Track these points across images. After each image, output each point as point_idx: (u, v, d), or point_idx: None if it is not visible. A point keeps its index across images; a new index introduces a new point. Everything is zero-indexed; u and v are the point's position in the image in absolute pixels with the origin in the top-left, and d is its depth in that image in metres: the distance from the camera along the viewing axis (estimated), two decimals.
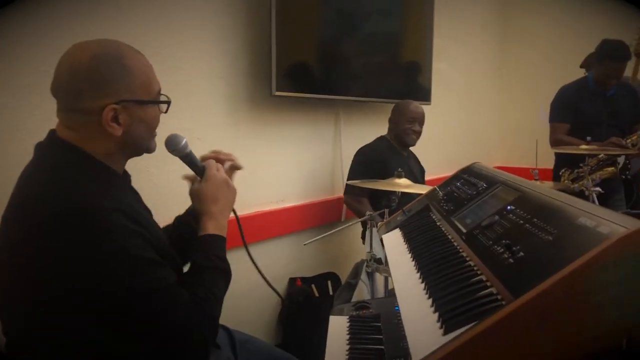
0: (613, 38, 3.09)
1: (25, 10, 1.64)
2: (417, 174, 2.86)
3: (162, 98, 1.15)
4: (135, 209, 1.06)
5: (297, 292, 2.69)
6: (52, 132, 1.10)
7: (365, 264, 2.14)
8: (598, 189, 2.56)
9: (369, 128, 3.07)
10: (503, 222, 0.92)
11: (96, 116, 1.04)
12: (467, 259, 0.93)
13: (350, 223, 2.40)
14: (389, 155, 2.72)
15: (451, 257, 0.97)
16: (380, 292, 2.14)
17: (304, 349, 2.28)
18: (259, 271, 1.43)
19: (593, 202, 2.52)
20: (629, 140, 2.94)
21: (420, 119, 2.79)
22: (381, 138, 2.86)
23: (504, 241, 0.83)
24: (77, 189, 0.99)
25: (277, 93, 2.41)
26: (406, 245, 1.20)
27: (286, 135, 2.68)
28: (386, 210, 2.09)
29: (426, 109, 3.46)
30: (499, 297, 0.74)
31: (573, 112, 3.09)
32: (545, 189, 0.98)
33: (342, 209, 3.04)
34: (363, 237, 2.77)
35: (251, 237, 2.51)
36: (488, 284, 0.79)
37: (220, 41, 2.30)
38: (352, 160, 2.79)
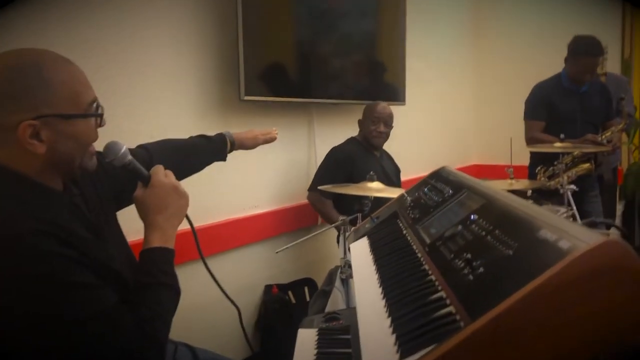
0: (585, 34, 3.09)
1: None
2: (391, 174, 2.82)
3: (97, 110, 1.07)
4: (67, 229, 0.97)
5: (274, 300, 2.64)
6: None
7: (340, 270, 2.10)
8: (573, 186, 2.56)
9: (343, 130, 3.03)
10: (465, 233, 0.88)
11: (15, 133, 0.96)
12: (429, 272, 0.89)
13: (323, 229, 2.35)
14: (359, 157, 2.69)
15: (413, 270, 0.93)
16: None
17: (282, 357, 2.23)
18: (217, 283, 1.36)
19: (568, 200, 2.51)
20: (603, 137, 2.94)
21: (385, 119, 2.75)
22: (352, 139, 2.83)
23: (465, 255, 0.79)
24: (1, 214, 0.92)
25: (247, 97, 2.36)
26: (372, 256, 1.16)
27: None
28: (359, 215, 2.06)
29: (401, 108, 3.46)
30: (457, 317, 0.69)
31: (547, 110, 3.09)
32: (511, 196, 0.94)
33: (317, 213, 2.99)
34: (338, 242, 2.73)
35: (225, 245, 2.48)
36: (447, 301, 0.75)
37: (186, 44, 2.25)
38: (322, 162, 2.75)
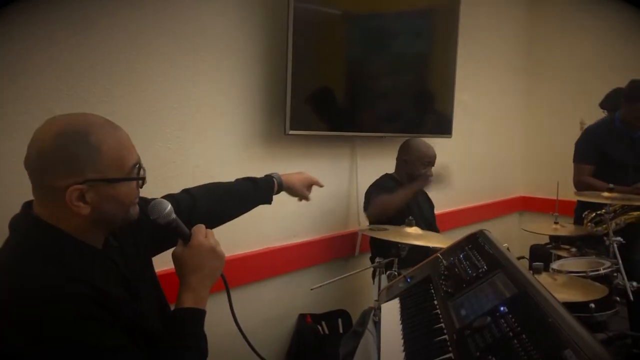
0: None
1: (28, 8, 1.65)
2: (426, 212, 2.83)
3: (140, 172, 1.13)
4: (103, 291, 1.02)
5: (306, 329, 2.66)
6: (26, 206, 1.10)
7: (373, 312, 2.11)
8: (619, 238, 2.48)
9: (385, 162, 3.03)
10: (493, 329, 0.88)
11: (63, 195, 1.02)
12: None
13: (358, 270, 2.36)
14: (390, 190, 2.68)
15: (439, 357, 0.94)
16: None
17: None
18: (239, 328, 1.35)
19: (614, 252, 2.44)
20: None
21: (433, 162, 2.76)
22: (389, 177, 2.82)
23: (489, 356, 0.80)
24: (35, 277, 0.98)
25: (291, 132, 2.40)
26: (401, 326, 1.17)
27: (303, 169, 2.67)
28: (395, 260, 2.06)
29: (446, 140, 3.45)
30: None
31: (598, 154, 3.02)
32: (543, 291, 0.93)
33: (356, 243, 3.01)
34: (373, 277, 2.73)
35: (263, 274, 2.53)
36: None
37: (236, 79, 2.31)
38: (365, 200, 2.75)
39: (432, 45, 3.36)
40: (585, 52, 4.57)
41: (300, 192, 1.81)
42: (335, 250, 2.91)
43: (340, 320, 2.80)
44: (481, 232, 1.40)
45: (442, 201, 3.69)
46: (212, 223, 1.50)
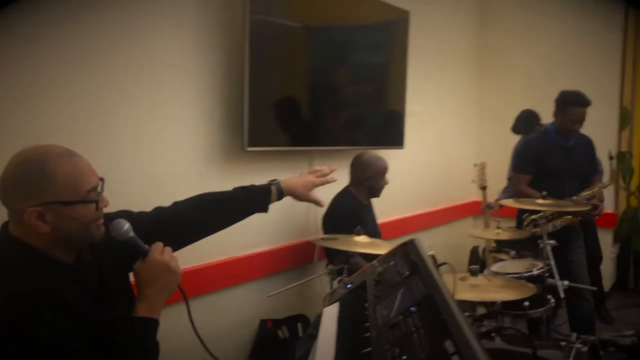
0: (571, 89, 3.28)
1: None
2: (375, 222, 3.04)
3: (96, 195, 1.28)
4: (61, 298, 1.18)
5: (267, 334, 2.82)
6: (4, 225, 1.27)
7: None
8: (552, 241, 2.71)
9: (342, 172, 3.20)
10: (402, 326, 1.06)
11: (22, 215, 1.19)
12: (371, 357, 1.07)
13: (314, 276, 2.53)
14: (360, 211, 2.88)
15: (360, 354, 1.11)
16: None
17: None
18: (197, 335, 1.48)
19: (547, 254, 2.67)
20: (585, 194, 3.11)
21: (386, 172, 2.99)
22: (348, 193, 2.99)
23: (395, 349, 0.97)
24: (8, 288, 1.16)
25: (249, 149, 2.56)
26: (336, 326, 1.34)
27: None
28: (345, 266, 2.24)
29: (399, 150, 3.66)
30: None
31: (535, 163, 3.25)
32: (448, 294, 1.11)
33: (314, 250, 3.18)
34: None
35: (224, 282, 2.67)
36: None
37: (195, 95, 2.45)
38: (330, 218, 2.94)
39: (388, 58, 3.56)
40: (534, 60, 4.87)
41: (305, 196, 1.82)
42: (295, 258, 3.07)
43: (299, 325, 2.96)
44: (411, 241, 1.58)
45: (398, 207, 3.91)
46: (200, 232, 1.69)
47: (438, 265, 1.48)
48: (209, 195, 1.73)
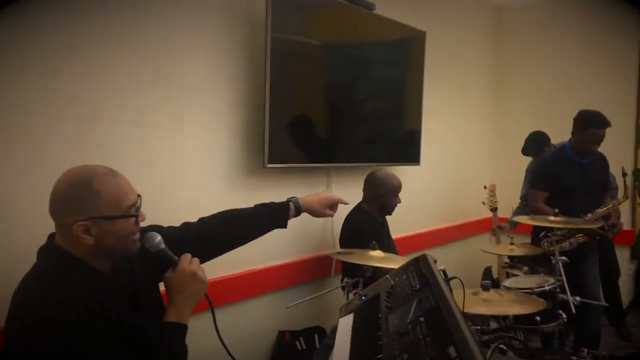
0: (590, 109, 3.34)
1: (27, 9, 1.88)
2: (390, 237, 3.11)
3: (135, 211, 1.41)
4: (104, 304, 1.31)
5: (285, 345, 2.91)
6: (50, 237, 1.41)
7: None
8: (564, 258, 2.77)
9: (358, 188, 3.31)
10: (411, 334, 1.15)
11: (71, 229, 1.32)
12: None
13: (330, 289, 2.61)
14: (371, 227, 2.95)
15: (373, 357, 1.20)
16: None
17: None
18: (221, 341, 1.60)
19: (559, 271, 2.73)
20: (599, 211, 3.16)
21: (400, 191, 3.05)
22: (361, 210, 3.07)
23: (405, 355, 1.06)
24: (51, 290, 1.28)
25: (269, 165, 2.67)
26: (350, 335, 1.43)
27: (280, 199, 2.93)
28: (360, 280, 2.32)
29: (416, 167, 3.75)
30: None
31: (551, 181, 3.32)
32: (455, 307, 1.19)
33: (331, 264, 3.27)
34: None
35: (245, 294, 2.78)
36: None
37: (219, 116, 2.58)
38: (346, 235, 3.02)
39: (404, 76, 3.66)
40: (549, 80, 4.94)
41: (321, 213, 2.00)
42: (312, 271, 3.17)
43: (316, 336, 3.04)
44: (423, 256, 1.66)
45: (413, 223, 3.99)
46: (224, 246, 1.84)
47: (448, 280, 1.56)
48: (232, 211, 1.88)
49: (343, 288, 2.62)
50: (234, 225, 1.84)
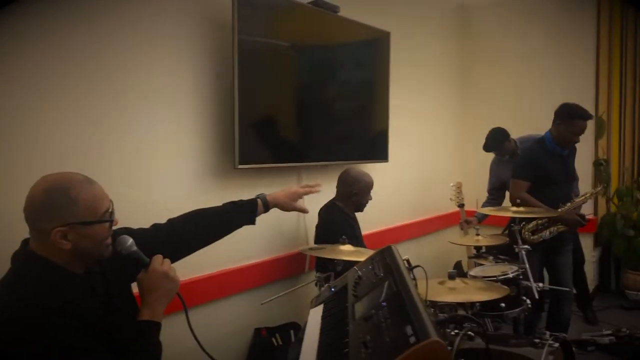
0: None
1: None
2: (359, 234, 3.18)
3: (110, 216, 1.47)
4: (78, 306, 1.35)
5: (261, 342, 2.97)
6: (24, 243, 1.45)
7: None
8: (527, 246, 2.89)
9: (330, 186, 3.38)
10: (374, 317, 1.23)
11: (49, 235, 1.37)
12: (347, 346, 1.23)
13: (304, 284, 2.69)
14: (346, 224, 3.03)
15: (340, 342, 1.28)
16: None
17: None
18: (195, 338, 1.65)
19: (522, 258, 2.85)
20: (578, 200, 3.34)
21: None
22: (335, 207, 3.14)
23: (367, 337, 1.14)
24: (29, 295, 1.32)
25: (240, 166, 2.73)
26: (320, 323, 1.51)
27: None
28: (332, 274, 2.40)
29: (384, 165, 3.85)
30: None
31: (535, 171, 3.40)
32: (414, 292, 1.28)
33: (305, 261, 3.34)
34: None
35: (220, 293, 2.83)
36: None
37: (189, 118, 2.62)
38: (321, 229, 3.10)
39: (372, 76, 3.75)
40: (512, 76, 5.11)
41: (290, 206, 2.05)
42: (287, 269, 3.23)
43: (292, 332, 3.11)
44: (388, 247, 1.75)
45: (384, 218, 4.09)
46: (193, 245, 1.89)
47: (412, 268, 1.65)
48: (201, 211, 1.94)
49: (316, 283, 2.69)
50: (203, 224, 1.90)
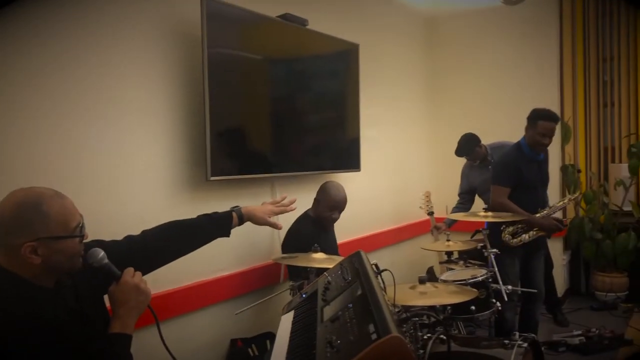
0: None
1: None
2: (333, 242, 3.21)
3: (81, 231, 1.47)
4: (47, 321, 1.36)
5: (237, 353, 2.98)
6: None
7: None
8: (495, 250, 2.97)
9: (303, 196, 3.41)
10: (341, 318, 1.27)
11: (19, 250, 1.37)
12: (315, 347, 1.27)
13: (278, 292, 2.71)
14: (313, 234, 3.00)
15: (308, 344, 1.31)
16: None
17: None
18: (169, 351, 1.67)
19: (491, 262, 2.92)
20: (559, 204, 3.45)
21: (341, 208, 3.09)
22: (306, 217, 3.14)
23: (333, 337, 1.18)
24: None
25: (212, 178, 2.75)
26: (290, 328, 1.54)
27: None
28: (305, 282, 2.44)
29: (358, 174, 3.91)
30: None
31: (516, 177, 3.45)
32: (380, 293, 1.32)
33: (280, 271, 3.36)
34: None
35: (195, 305, 2.83)
36: None
37: (161, 131, 2.64)
38: (285, 241, 3.10)
39: (343, 87, 3.82)
40: (479, 84, 5.23)
41: (264, 221, 2.07)
42: (261, 279, 3.25)
43: (268, 342, 3.12)
44: (357, 253, 1.80)
45: (358, 227, 4.14)
46: (167, 257, 1.90)
47: (379, 272, 1.69)
48: (175, 223, 1.95)
49: (290, 291, 2.72)
50: (177, 236, 1.91)
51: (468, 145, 4.12)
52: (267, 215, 2.08)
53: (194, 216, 2.02)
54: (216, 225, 1.97)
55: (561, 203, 3.60)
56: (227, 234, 2.00)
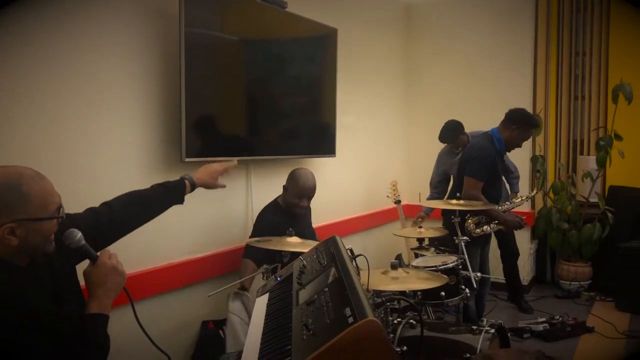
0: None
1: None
2: (306, 228, 3.18)
3: (60, 212, 1.46)
4: (21, 300, 1.35)
5: (208, 335, 2.98)
6: None
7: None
8: (465, 238, 3.02)
9: (276, 181, 3.42)
10: (317, 302, 1.28)
11: None
12: (291, 330, 1.28)
13: (254, 274, 2.71)
14: (283, 224, 2.92)
15: (284, 326, 1.32)
16: None
17: None
18: (145, 332, 1.67)
19: (461, 249, 2.98)
20: (517, 200, 3.57)
21: (309, 195, 3.04)
22: (275, 205, 3.11)
23: (308, 320, 1.19)
24: None
25: (187, 159, 2.73)
26: (265, 310, 1.55)
27: (199, 194, 2.98)
28: (278, 265, 2.44)
29: (333, 159, 3.92)
30: None
31: (490, 171, 3.49)
32: (355, 277, 1.34)
33: None
34: None
35: (166, 287, 2.82)
36: (289, 353, 1.15)
37: (136, 109, 2.61)
38: (253, 229, 3.08)
39: (320, 71, 3.80)
40: (455, 72, 5.28)
41: (213, 184, 2.18)
42: (235, 262, 3.23)
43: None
44: (332, 237, 1.81)
45: (334, 211, 4.16)
46: (129, 227, 1.90)
47: (354, 257, 1.71)
48: (132, 193, 1.99)
49: (263, 274, 2.73)
50: (138, 206, 1.94)
51: (453, 132, 4.13)
52: (214, 179, 2.19)
53: (149, 187, 2.06)
54: (172, 194, 2.04)
55: (520, 200, 3.74)
56: (181, 202, 2.07)
